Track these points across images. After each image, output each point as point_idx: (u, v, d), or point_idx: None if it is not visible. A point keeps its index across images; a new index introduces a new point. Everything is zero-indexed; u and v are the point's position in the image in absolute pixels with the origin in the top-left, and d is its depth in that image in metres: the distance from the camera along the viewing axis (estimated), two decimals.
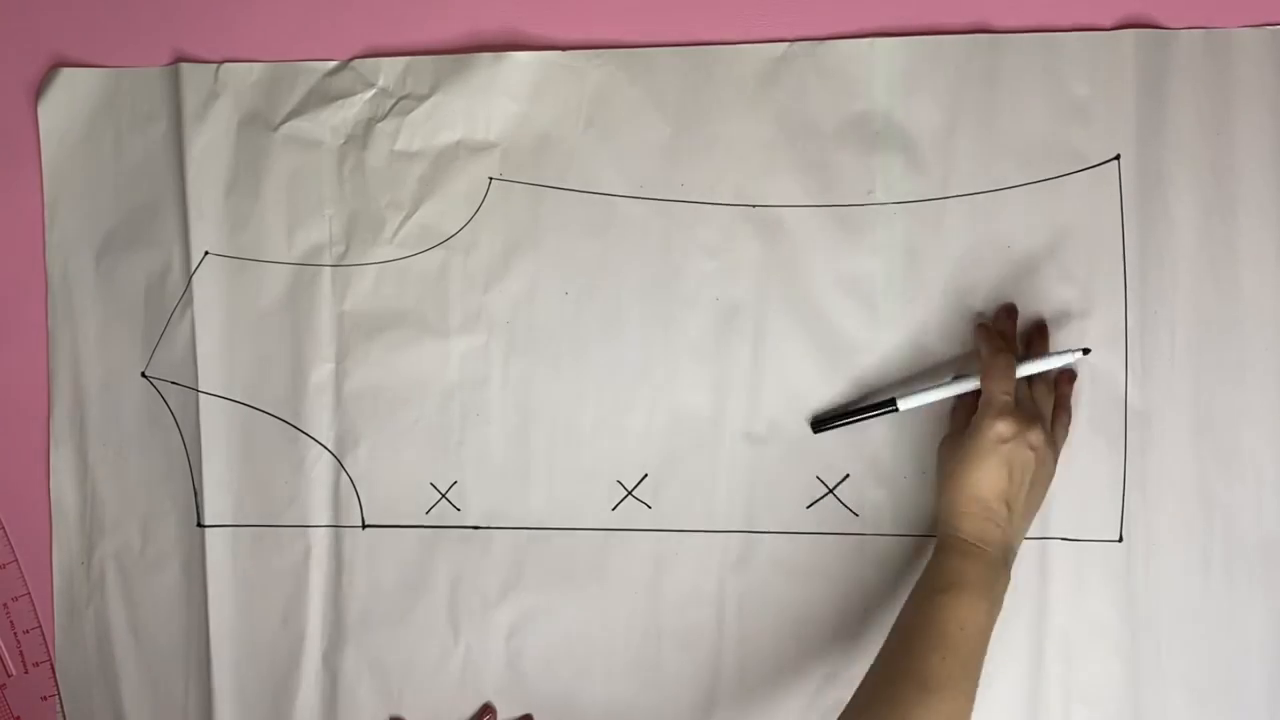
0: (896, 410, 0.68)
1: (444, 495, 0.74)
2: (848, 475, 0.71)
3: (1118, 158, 0.70)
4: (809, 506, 0.71)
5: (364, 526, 0.74)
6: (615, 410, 0.73)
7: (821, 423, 0.70)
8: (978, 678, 0.59)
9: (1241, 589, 0.69)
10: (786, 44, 0.72)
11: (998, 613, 0.62)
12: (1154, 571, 0.69)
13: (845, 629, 0.71)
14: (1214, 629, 0.69)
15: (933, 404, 0.69)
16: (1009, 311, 0.69)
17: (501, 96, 0.73)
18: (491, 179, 0.74)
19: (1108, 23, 0.70)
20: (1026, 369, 0.66)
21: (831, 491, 0.71)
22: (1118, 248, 0.70)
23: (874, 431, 0.71)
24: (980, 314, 0.70)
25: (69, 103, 0.76)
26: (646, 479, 0.73)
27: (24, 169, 0.76)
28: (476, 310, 0.73)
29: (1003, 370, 0.64)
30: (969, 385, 0.67)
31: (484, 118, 0.73)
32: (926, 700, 0.57)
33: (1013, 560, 0.63)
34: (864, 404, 0.70)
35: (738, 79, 0.72)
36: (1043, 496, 0.65)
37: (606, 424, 0.73)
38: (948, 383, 0.68)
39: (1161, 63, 0.69)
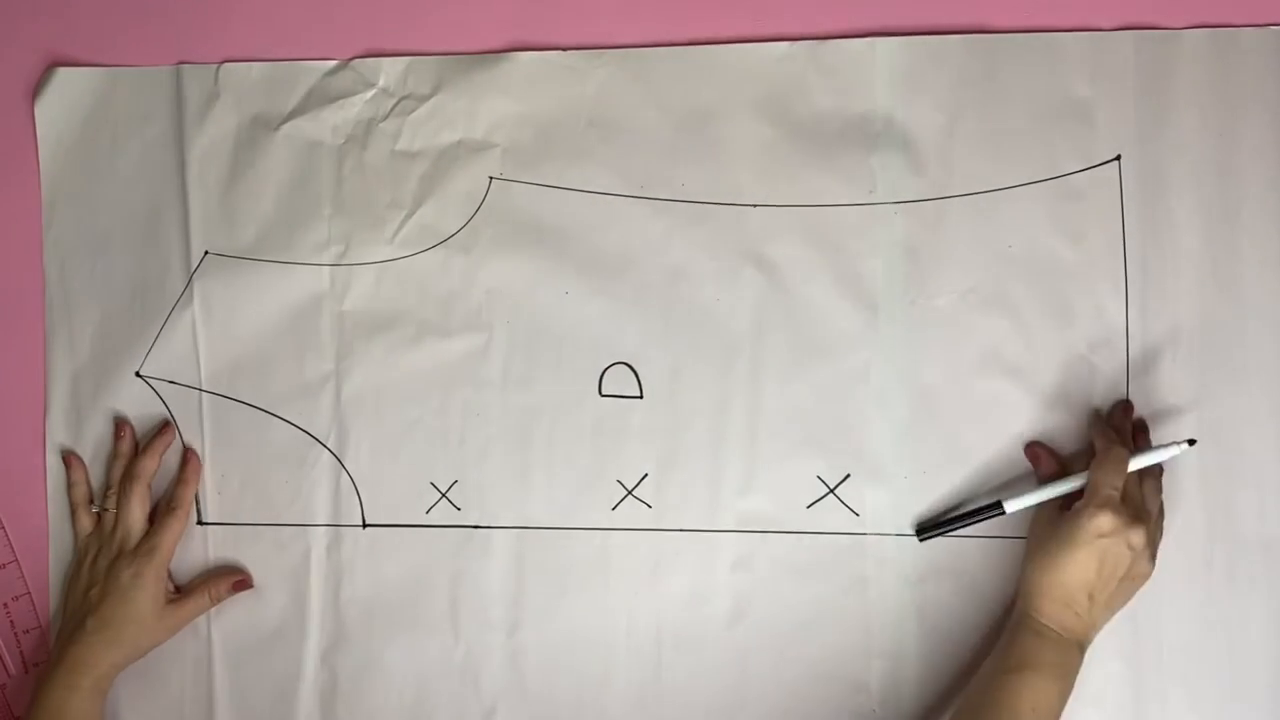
0: (1003, 513, 0.67)
1: (444, 495, 0.74)
2: (848, 475, 0.71)
3: (1118, 158, 0.70)
4: (809, 506, 0.71)
5: (364, 526, 0.74)
6: (615, 410, 0.73)
7: (926, 530, 0.69)
8: None
9: (1242, 590, 0.69)
10: (787, 44, 0.72)
11: (1069, 695, 0.62)
12: (1154, 572, 0.69)
13: (847, 629, 0.71)
14: (1215, 630, 0.69)
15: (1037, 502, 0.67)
16: (1125, 408, 0.69)
17: (502, 96, 0.73)
18: (492, 179, 0.74)
19: (1108, 23, 0.70)
20: (1136, 463, 0.64)
21: (832, 491, 0.71)
22: (1118, 248, 0.70)
23: (874, 431, 0.71)
24: (1097, 409, 0.69)
25: (66, 103, 0.76)
26: (646, 479, 0.73)
27: (21, 169, 0.76)
28: (476, 310, 0.73)
29: (1115, 464, 0.63)
30: (1076, 483, 0.65)
31: (485, 118, 0.73)
32: None
33: (1087, 646, 0.63)
34: (969, 509, 0.69)
35: (738, 79, 0.72)
36: (1131, 594, 0.64)
37: (606, 424, 0.73)
38: (1055, 483, 0.66)
39: (1163, 63, 0.69)
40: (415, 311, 0.74)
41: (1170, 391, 0.69)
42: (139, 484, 0.73)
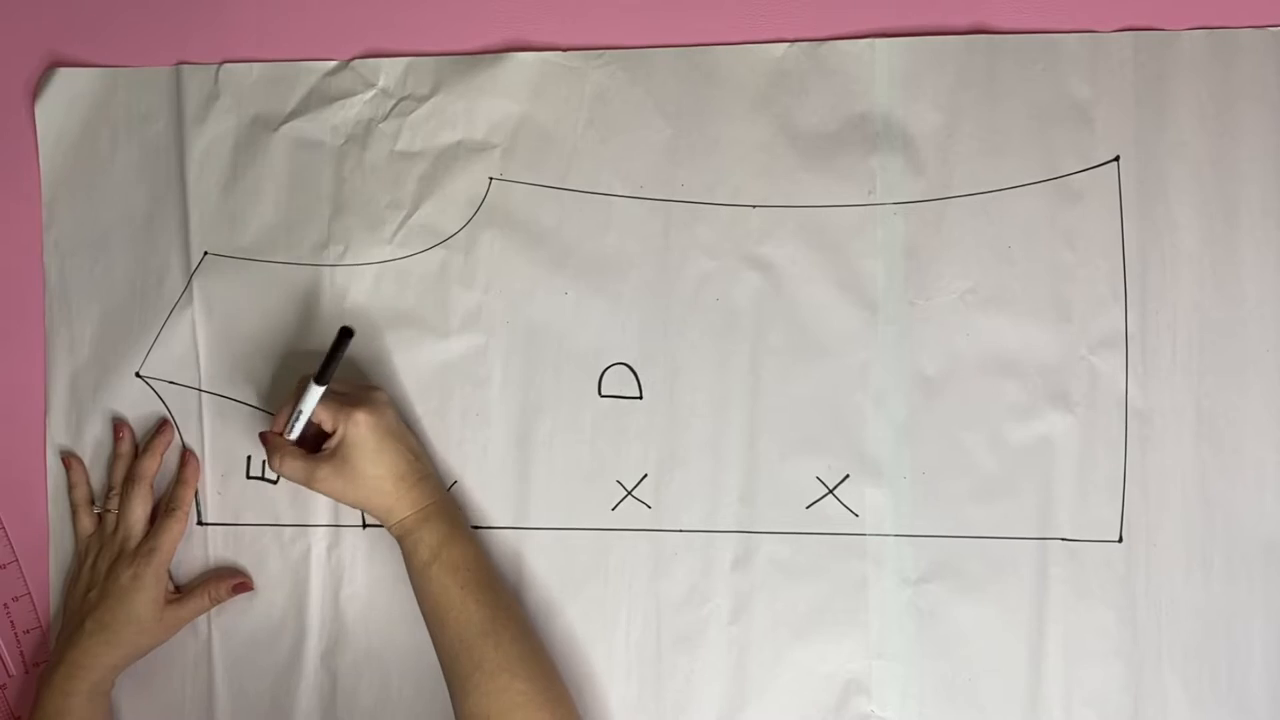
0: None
1: None
2: (848, 475, 0.71)
3: (1117, 159, 0.70)
4: (809, 506, 0.71)
5: (364, 526, 0.74)
6: (615, 410, 0.73)
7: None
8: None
9: (1242, 589, 0.69)
10: (786, 44, 0.72)
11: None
12: (1154, 572, 0.69)
13: (847, 629, 0.71)
14: (1214, 629, 0.69)
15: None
16: None
17: (502, 96, 0.73)
18: (491, 179, 0.74)
19: (1108, 24, 0.70)
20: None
21: (831, 492, 0.71)
22: (1117, 248, 0.70)
23: (873, 432, 0.71)
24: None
25: (66, 103, 0.76)
26: (646, 479, 0.73)
27: (22, 169, 0.76)
28: (476, 310, 0.73)
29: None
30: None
31: (484, 118, 0.73)
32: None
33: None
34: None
35: (738, 79, 0.72)
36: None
37: (606, 424, 0.73)
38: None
39: (1162, 64, 0.70)
40: (415, 311, 0.74)
41: (1170, 391, 0.69)
42: (141, 485, 0.73)
